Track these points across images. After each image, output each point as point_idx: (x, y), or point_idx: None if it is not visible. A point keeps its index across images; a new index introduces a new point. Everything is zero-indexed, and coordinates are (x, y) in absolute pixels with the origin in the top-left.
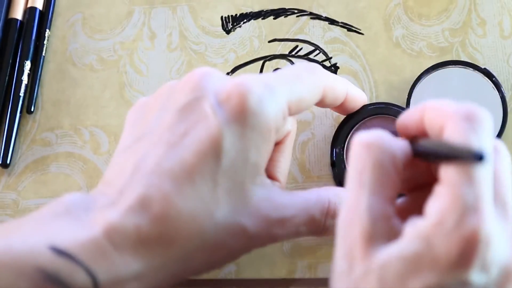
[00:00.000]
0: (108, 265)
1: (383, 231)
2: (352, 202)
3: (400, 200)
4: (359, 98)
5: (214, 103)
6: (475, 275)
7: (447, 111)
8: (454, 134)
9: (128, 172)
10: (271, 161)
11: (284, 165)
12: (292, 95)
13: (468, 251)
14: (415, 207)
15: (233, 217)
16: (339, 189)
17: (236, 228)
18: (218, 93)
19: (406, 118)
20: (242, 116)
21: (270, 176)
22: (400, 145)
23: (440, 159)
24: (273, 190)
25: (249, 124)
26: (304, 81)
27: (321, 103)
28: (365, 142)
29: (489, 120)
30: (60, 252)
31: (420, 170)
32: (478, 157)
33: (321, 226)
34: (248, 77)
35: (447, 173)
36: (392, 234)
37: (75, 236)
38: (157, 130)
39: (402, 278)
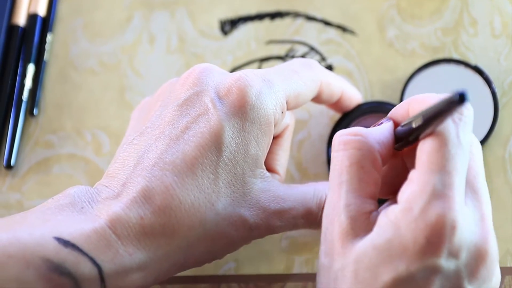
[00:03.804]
0: (112, 256)
1: (361, 227)
2: (332, 201)
3: (385, 204)
4: (354, 96)
5: (215, 97)
6: (444, 261)
7: (429, 101)
8: None
9: (131, 165)
10: (270, 154)
11: (283, 158)
12: (290, 90)
13: (434, 237)
14: None
15: (233, 208)
16: None
17: (236, 218)
18: (218, 88)
19: (394, 112)
20: (242, 110)
21: (270, 169)
22: (378, 137)
23: (420, 129)
24: (272, 183)
25: (249, 118)
26: (302, 76)
27: (317, 99)
28: (342, 140)
29: (470, 110)
30: (65, 242)
31: (401, 170)
32: (458, 99)
33: (317, 219)
34: (247, 72)
35: (420, 158)
36: (371, 228)
37: (80, 227)
38: (159, 124)
39: (373, 269)
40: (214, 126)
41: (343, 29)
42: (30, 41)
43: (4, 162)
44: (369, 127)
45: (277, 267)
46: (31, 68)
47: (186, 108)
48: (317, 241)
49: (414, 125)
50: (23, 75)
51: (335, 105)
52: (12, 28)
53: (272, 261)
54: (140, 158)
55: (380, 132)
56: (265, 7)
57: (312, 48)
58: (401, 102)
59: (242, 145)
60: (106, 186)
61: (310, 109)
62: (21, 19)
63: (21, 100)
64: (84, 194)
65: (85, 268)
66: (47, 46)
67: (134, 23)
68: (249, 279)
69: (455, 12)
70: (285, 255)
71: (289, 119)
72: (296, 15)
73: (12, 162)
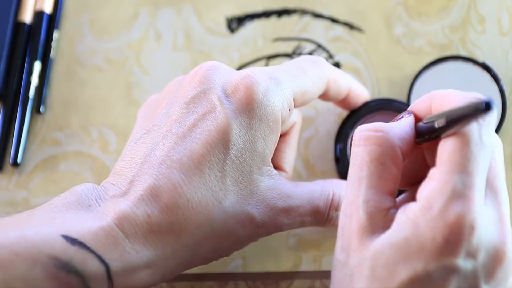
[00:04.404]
0: (120, 254)
1: (379, 223)
2: (351, 196)
3: (403, 195)
4: (361, 93)
5: (222, 95)
6: (462, 261)
7: (453, 99)
8: None
9: (138, 163)
10: (278, 152)
11: (290, 156)
12: (297, 87)
13: (453, 237)
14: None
15: (241, 206)
16: (343, 181)
17: (243, 216)
18: (225, 86)
19: (416, 106)
20: (249, 107)
21: (277, 166)
22: (399, 133)
23: (443, 129)
24: (279, 180)
25: (256, 115)
26: (309, 73)
27: (324, 96)
28: (363, 136)
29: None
30: (73, 240)
31: (421, 163)
32: (484, 108)
33: (324, 217)
34: (254, 70)
35: (441, 156)
36: (389, 225)
37: (88, 226)
38: (166, 122)
39: (390, 267)
40: (221, 124)
41: (350, 26)
42: (36, 38)
43: (11, 160)
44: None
45: (285, 265)
46: (37, 66)
47: (193, 106)
48: (325, 239)
49: (436, 125)
50: (30, 73)
51: (343, 102)
52: (18, 25)
53: (280, 258)
54: (147, 156)
55: (401, 127)
56: (272, 5)
57: (319, 46)
58: (423, 96)
59: (250, 143)
60: (113, 184)
61: (317, 106)
62: (27, 17)
63: (28, 97)
64: (91, 192)
65: (92, 266)
66: (53, 44)
67: (140, 20)
68: (257, 277)
69: (462, 10)
70: (293, 253)
71: (296, 116)
72: (303, 12)
73: (19, 159)
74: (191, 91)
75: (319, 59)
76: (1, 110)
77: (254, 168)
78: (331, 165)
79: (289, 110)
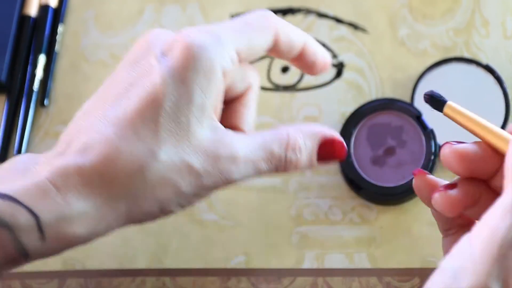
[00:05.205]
0: (50, 205)
1: None
2: None
3: None
4: (319, 51)
5: (159, 54)
6: None
7: None
8: None
9: (77, 126)
10: (233, 112)
11: (249, 117)
12: (240, 40)
13: None
14: None
15: (177, 155)
16: (302, 125)
17: (179, 164)
18: (163, 46)
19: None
20: (185, 62)
21: (233, 127)
22: None
23: None
24: (224, 132)
25: (192, 68)
26: (253, 26)
27: (275, 51)
28: None
29: None
30: (3, 196)
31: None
32: None
33: (282, 161)
34: (192, 28)
35: None
36: None
37: (20, 183)
38: (108, 85)
39: None
40: (157, 80)
41: (354, 26)
42: (41, 31)
43: (15, 152)
44: (379, 124)
45: (287, 262)
46: (42, 59)
47: (133, 67)
48: (327, 237)
49: None
50: (34, 66)
51: (299, 61)
52: (23, 18)
53: (282, 255)
54: (87, 119)
55: None
56: (276, 3)
57: (323, 45)
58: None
59: (186, 94)
60: (52, 150)
61: (320, 106)
62: (32, 10)
63: (32, 90)
64: (31, 159)
65: (22, 218)
66: (58, 37)
67: (146, 16)
68: (259, 273)
69: (467, 13)
70: (296, 250)
71: (253, 79)
72: (308, 11)
73: (22, 151)
74: (132, 54)
75: (267, 11)
76: (6, 103)
77: (192, 119)
78: (334, 164)
79: (232, 62)
